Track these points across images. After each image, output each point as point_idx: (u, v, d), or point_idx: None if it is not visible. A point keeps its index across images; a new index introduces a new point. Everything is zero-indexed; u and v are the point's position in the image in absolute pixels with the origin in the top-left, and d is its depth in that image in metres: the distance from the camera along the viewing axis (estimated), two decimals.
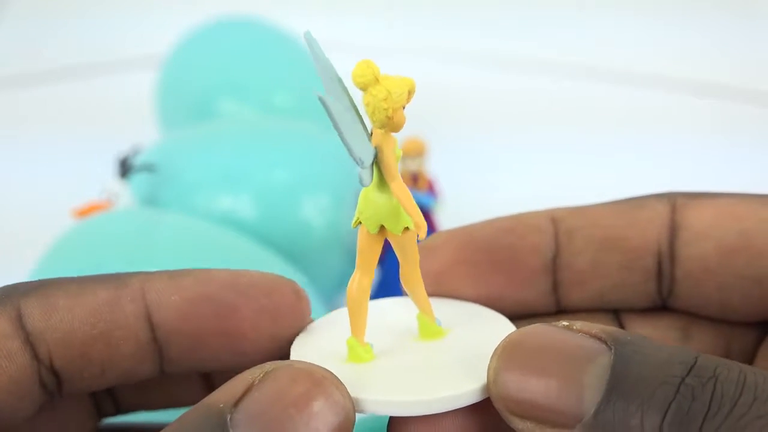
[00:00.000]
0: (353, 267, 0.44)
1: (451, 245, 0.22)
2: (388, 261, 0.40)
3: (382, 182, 0.19)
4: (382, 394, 0.18)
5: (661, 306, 0.23)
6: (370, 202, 0.19)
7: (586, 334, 0.17)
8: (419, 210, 0.19)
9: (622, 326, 0.23)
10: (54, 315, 0.19)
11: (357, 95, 0.18)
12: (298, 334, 0.21)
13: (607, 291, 0.22)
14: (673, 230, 0.22)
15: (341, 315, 0.21)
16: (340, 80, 0.18)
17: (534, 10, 0.77)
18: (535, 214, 0.22)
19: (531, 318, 0.23)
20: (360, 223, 0.19)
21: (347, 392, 0.17)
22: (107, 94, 0.64)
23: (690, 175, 0.54)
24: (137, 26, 0.74)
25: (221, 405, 0.17)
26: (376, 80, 0.18)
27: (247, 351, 0.20)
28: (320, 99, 0.17)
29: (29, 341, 0.19)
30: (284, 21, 0.51)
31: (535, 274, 0.22)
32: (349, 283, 0.20)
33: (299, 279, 0.35)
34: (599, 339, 0.17)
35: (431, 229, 0.41)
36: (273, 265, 0.34)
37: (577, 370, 0.17)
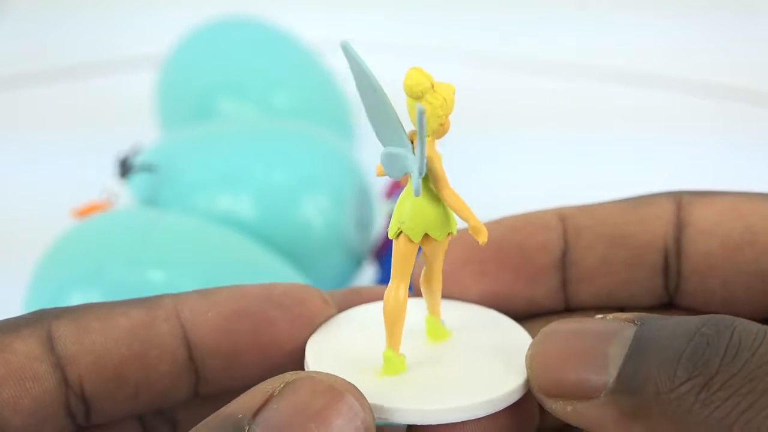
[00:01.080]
0: (353, 267, 0.44)
1: (460, 245, 0.22)
2: (388, 261, 0.40)
3: (428, 190, 0.19)
4: (447, 401, 0.18)
5: (668, 303, 0.23)
6: (416, 211, 0.19)
7: (616, 319, 0.18)
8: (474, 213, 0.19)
9: None
10: (87, 337, 0.19)
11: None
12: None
13: (615, 288, 0.22)
14: (680, 227, 0.22)
15: (348, 316, 0.21)
16: (382, 90, 0.17)
17: (534, 10, 0.77)
18: (543, 212, 0.23)
19: (540, 316, 0.23)
20: (399, 233, 0.19)
21: (368, 405, 0.17)
22: (107, 94, 0.64)
23: (691, 175, 0.54)
24: (137, 26, 0.74)
25: (240, 416, 0.16)
26: (432, 87, 0.18)
27: (283, 363, 0.20)
28: (419, 111, 0.16)
29: (59, 365, 0.19)
30: (284, 21, 0.51)
31: (544, 271, 0.22)
32: (387, 293, 0.19)
33: (299, 279, 0.35)
34: (627, 320, 0.18)
35: None
36: (273, 265, 0.34)
37: (603, 343, 0.17)
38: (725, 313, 0.22)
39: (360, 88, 0.18)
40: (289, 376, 0.17)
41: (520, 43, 0.72)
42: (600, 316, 0.19)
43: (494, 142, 0.58)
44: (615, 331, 0.18)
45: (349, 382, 0.17)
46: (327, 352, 0.20)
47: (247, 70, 0.46)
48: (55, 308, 0.20)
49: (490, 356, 0.20)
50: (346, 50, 0.17)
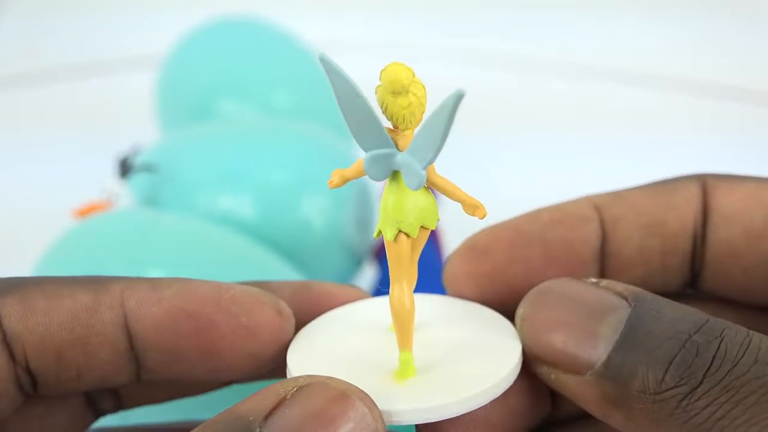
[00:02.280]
0: (353, 267, 0.44)
1: (502, 244, 0.22)
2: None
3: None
4: (465, 390, 0.18)
5: (690, 287, 0.23)
6: (411, 206, 0.19)
7: (610, 290, 0.18)
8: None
9: None
10: (32, 317, 0.19)
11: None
12: (283, 349, 0.20)
13: (650, 276, 0.23)
14: (705, 213, 0.22)
15: (326, 320, 0.21)
16: (364, 95, 0.17)
17: (535, 10, 0.77)
18: (577, 202, 0.22)
19: None
20: (398, 233, 0.19)
21: (379, 413, 0.17)
22: (107, 94, 0.64)
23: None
24: (137, 26, 0.74)
25: (251, 418, 0.16)
26: (413, 80, 0.18)
27: (224, 368, 0.20)
28: (458, 96, 0.16)
29: (6, 341, 0.19)
30: (284, 21, 0.51)
31: (586, 263, 0.22)
32: (397, 296, 0.19)
33: (299, 279, 0.35)
34: (621, 296, 0.18)
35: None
36: (273, 265, 0.34)
37: (595, 320, 0.18)
38: (745, 301, 0.22)
39: (340, 97, 0.17)
40: (303, 380, 0.17)
41: (520, 42, 0.72)
42: (594, 280, 0.19)
43: (496, 141, 0.58)
44: (608, 309, 0.18)
45: (362, 390, 0.17)
46: (320, 357, 0.20)
47: (247, 70, 0.46)
48: (2, 281, 0.19)
49: (473, 345, 0.20)
50: (325, 61, 0.17)
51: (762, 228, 0.21)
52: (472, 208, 0.19)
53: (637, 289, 0.18)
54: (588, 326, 0.18)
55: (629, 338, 0.17)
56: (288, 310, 0.20)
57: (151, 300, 0.19)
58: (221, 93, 0.45)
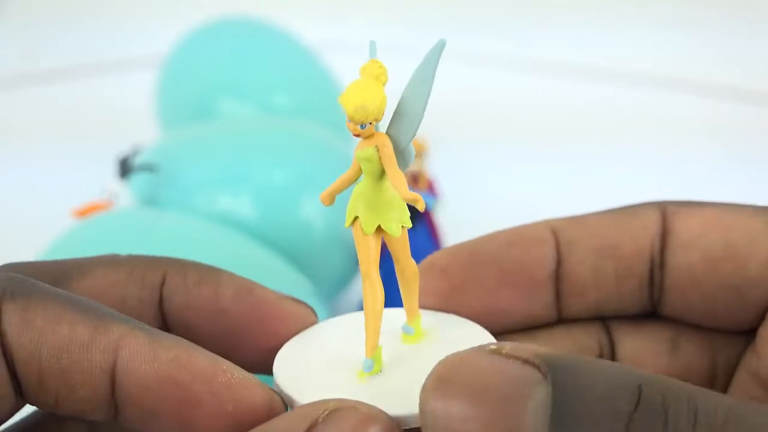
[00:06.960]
0: (353, 267, 0.44)
1: (458, 264, 0.22)
2: (387, 261, 0.40)
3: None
4: None
5: (652, 313, 0.23)
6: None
7: (517, 360, 0.16)
8: None
9: (612, 340, 0.23)
10: (26, 334, 0.19)
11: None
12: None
13: (605, 299, 0.23)
14: (664, 239, 0.22)
15: (320, 330, 0.21)
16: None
17: (536, 12, 0.77)
18: (535, 226, 0.23)
19: (534, 329, 0.23)
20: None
21: None
22: (107, 94, 0.64)
23: (697, 180, 0.54)
24: (137, 26, 0.74)
25: None
26: None
27: None
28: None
29: (5, 346, 0.19)
30: (284, 21, 0.51)
31: (540, 285, 0.22)
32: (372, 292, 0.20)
33: (299, 279, 0.35)
34: (532, 365, 0.16)
35: (431, 228, 0.41)
36: (273, 265, 0.34)
37: (515, 408, 0.16)
38: (707, 326, 0.22)
39: (426, 85, 0.18)
40: (333, 404, 0.17)
41: (522, 45, 0.72)
42: (493, 346, 0.17)
43: (496, 142, 0.58)
44: (525, 392, 0.16)
45: (388, 415, 0.17)
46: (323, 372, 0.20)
47: (247, 70, 0.46)
48: (14, 282, 0.19)
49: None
50: (441, 48, 0.17)
51: (721, 253, 0.21)
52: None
53: (543, 351, 0.16)
54: (509, 417, 0.15)
55: (561, 425, 0.15)
56: (282, 406, 0.20)
57: (145, 357, 0.19)
58: (221, 93, 0.45)
